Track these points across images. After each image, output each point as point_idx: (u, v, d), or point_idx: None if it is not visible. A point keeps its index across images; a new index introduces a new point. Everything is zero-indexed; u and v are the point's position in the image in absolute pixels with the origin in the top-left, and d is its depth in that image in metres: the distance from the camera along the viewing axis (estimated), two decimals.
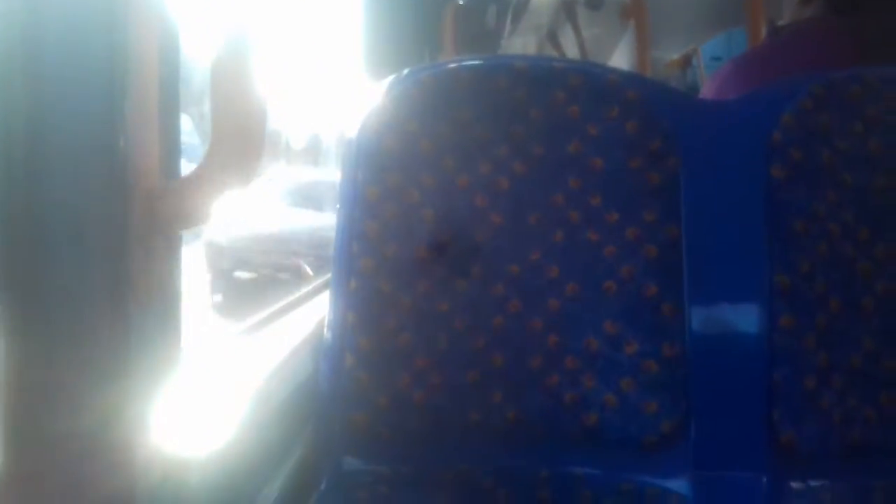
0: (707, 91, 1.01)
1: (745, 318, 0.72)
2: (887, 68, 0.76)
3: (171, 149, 0.48)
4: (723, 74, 0.97)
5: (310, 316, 0.92)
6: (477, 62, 0.78)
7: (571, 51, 3.11)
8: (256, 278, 5.84)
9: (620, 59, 3.49)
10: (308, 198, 6.30)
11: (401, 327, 0.74)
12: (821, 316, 0.71)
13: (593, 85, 0.75)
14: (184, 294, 0.47)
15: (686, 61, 3.41)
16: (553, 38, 3.18)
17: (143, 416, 0.44)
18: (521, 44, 3.30)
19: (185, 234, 0.48)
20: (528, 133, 0.75)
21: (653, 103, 0.74)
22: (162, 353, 0.48)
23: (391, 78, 0.78)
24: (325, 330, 0.77)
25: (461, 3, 2.24)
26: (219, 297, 5.91)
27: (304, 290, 1.07)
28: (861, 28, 0.90)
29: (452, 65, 0.78)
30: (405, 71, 0.78)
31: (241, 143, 0.42)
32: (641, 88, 0.75)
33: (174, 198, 0.44)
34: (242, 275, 5.96)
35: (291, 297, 1.00)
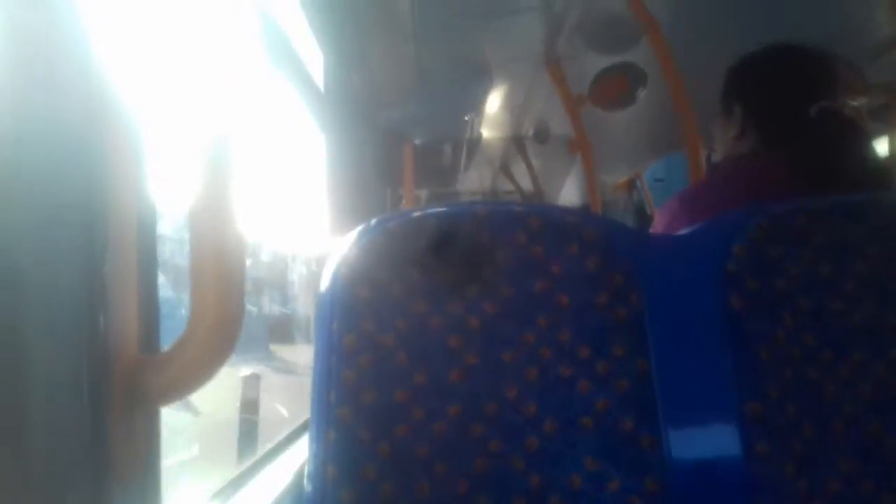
0: (658, 226, 1.06)
1: (721, 446, 0.72)
2: (829, 199, 0.81)
3: (151, 321, 0.48)
4: (671, 210, 1.03)
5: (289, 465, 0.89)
6: (441, 210, 0.81)
7: (525, 180, 3.27)
8: None
9: (571, 184, 3.68)
10: None
11: (382, 476, 0.72)
12: (796, 441, 0.71)
13: (553, 225, 0.78)
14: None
15: (631, 184, 3.63)
16: (506, 170, 3.35)
17: None
18: (477, 176, 3.46)
19: None
20: (495, 274, 0.77)
21: (611, 240, 0.78)
22: None
23: (360, 228, 0.81)
24: (306, 482, 0.74)
25: (417, 143, 2.37)
26: None
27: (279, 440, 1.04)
28: (795, 160, 0.97)
29: (417, 213, 0.81)
30: (373, 221, 0.81)
31: (221, 316, 0.43)
32: (598, 227, 0.79)
33: (154, 372, 0.44)
34: None
35: (264, 452, 0.97)
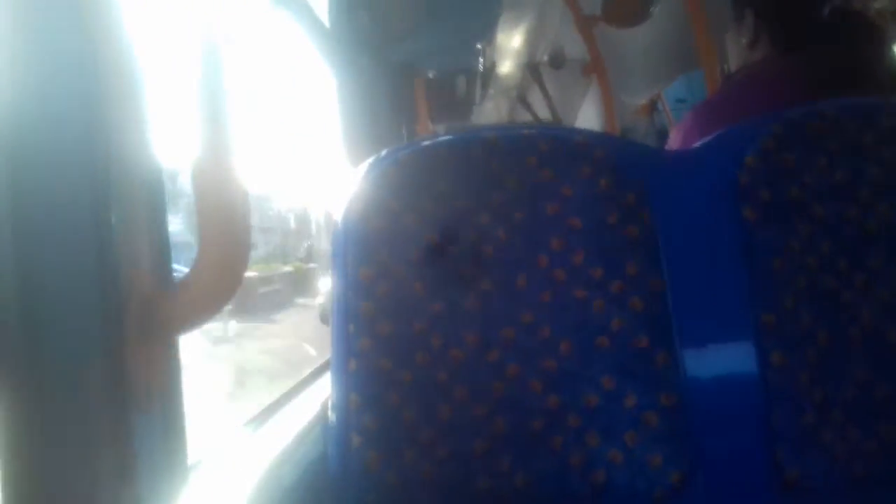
0: (673, 143, 1.04)
1: (736, 359, 0.72)
2: (842, 100, 0.78)
3: (162, 257, 0.49)
4: (685, 125, 1.01)
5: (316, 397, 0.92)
6: (450, 137, 0.81)
7: (542, 109, 3.20)
8: None
9: (589, 110, 3.60)
10: None
11: (403, 403, 0.74)
12: (811, 351, 0.71)
13: (562, 147, 0.77)
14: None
15: (652, 106, 3.51)
16: (523, 99, 3.28)
17: None
18: (493, 107, 3.40)
19: None
20: (506, 200, 0.77)
21: (621, 159, 0.76)
22: (168, 458, 0.48)
23: (370, 160, 0.80)
24: (330, 412, 0.77)
25: (430, 76, 2.33)
26: None
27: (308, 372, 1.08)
28: (808, 64, 0.93)
29: (427, 142, 0.81)
30: (383, 152, 0.80)
31: (229, 246, 0.44)
32: (608, 146, 0.77)
33: (167, 304, 0.45)
34: None
35: (295, 383, 1.00)
